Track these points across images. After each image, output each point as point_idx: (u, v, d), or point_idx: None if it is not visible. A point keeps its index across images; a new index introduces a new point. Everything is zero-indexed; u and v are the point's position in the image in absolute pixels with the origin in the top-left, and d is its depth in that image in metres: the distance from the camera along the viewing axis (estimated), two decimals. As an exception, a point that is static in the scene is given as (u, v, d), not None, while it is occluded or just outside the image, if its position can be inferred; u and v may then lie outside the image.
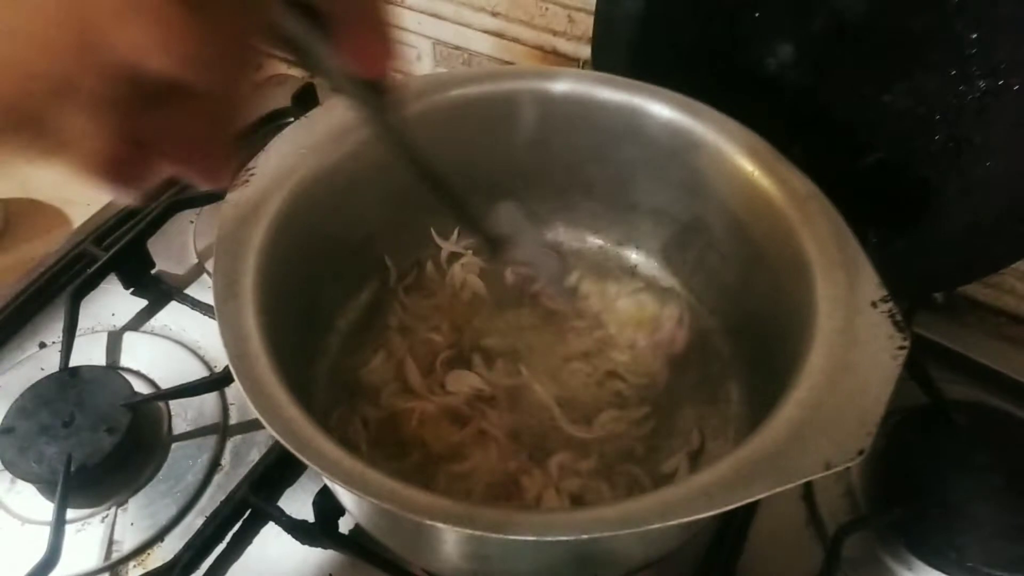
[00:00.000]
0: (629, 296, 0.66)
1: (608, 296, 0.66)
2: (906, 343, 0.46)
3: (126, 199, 0.31)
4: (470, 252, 0.70)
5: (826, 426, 0.42)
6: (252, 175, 0.53)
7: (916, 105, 0.63)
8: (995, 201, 0.63)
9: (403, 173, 0.62)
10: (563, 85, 0.62)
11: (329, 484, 0.55)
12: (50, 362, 0.67)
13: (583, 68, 0.81)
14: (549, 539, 0.37)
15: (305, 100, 0.88)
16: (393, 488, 0.39)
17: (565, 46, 0.83)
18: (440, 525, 0.38)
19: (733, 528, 0.59)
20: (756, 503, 0.61)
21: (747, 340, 0.60)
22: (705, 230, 0.62)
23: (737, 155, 0.57)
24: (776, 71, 0.68)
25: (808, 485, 0.63)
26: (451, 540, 0.44)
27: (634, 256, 0.70)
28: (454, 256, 0.69)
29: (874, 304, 0.47)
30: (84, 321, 0.71)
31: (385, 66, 0.36)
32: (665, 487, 0.40)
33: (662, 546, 0.49)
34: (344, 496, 0.51)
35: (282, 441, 0.40)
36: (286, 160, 0.54)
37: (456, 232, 0.70)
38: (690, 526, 0.47)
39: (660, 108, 0.60)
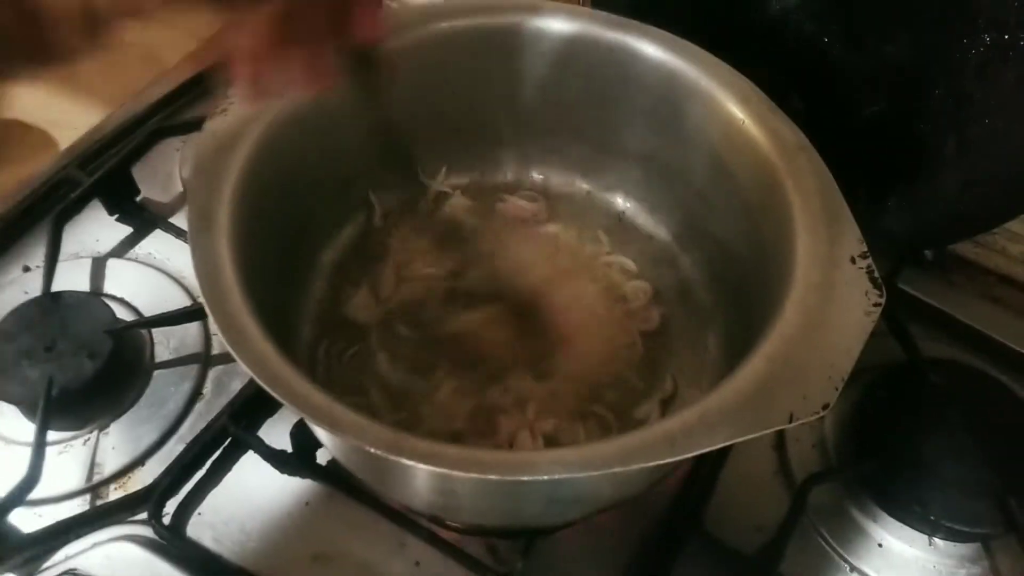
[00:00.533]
0: (600, 265, 0.66)
1: (581, 259, 0.66)
2: (882, 300, 0.45)
3: (250, 96, 0.40)
4: (458, 191, 0.69)
5: (794, 379, 0.42)
6: (231, 103, 0.52)
7: (917, 57, 0.62)
8: (991, 159, 0.62)
9: (391, 109, 0.62)
10: (556, 22, 0.60)
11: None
12: (33, 286, 0.67)
13: (581, 3, 0.79)
14: (510, 479, 0.38)
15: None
16: (360, 423, 0.39)
17: (565, -20, 0.80)
18: (405, 461, 0.38)
19: (703, 473, 0.60)
20: (727, 450, 0.61)
21: (728, 291, 0.60)
22: (693, 178, 0.62)
23: (729, 102, 0.56)
24: (779, 15, 0.66)
25: (780, 435, 0.64)
26: (418, 476, 0.44)
27: (621, 202, 0.69)
28: (441, 195, 0.69)
29: (853, 260, 0.47)
30: (69, 246, 0.71)
31: (380, 32, 0.42)
32: (630, 432, 0.40)
33: (629, 488, 0.50)
34: (318, 429, 0.52)
35: (251, 374, 0.40)
36: (268, 90, 0.53)
37: (444, 171, 0.69)
38: (656, 470, 0.48)
39: (653, 49, 0.58)
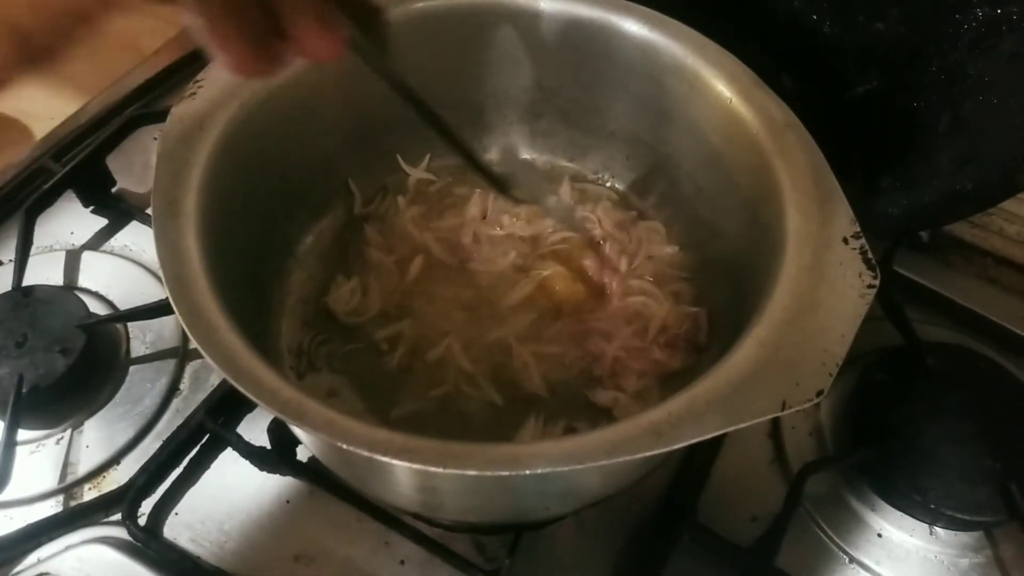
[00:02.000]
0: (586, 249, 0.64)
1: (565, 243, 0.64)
2: (876, 281, 0.44)
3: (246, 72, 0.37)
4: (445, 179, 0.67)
5: (786, 365, 0.40)
6: (200, 87, 0.50)
7: (910, 33, 0.60)
8: (987, 136, 0.60)
9: (368, 90, 0.60)
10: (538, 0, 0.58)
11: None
12: (4, 280, 0.65)
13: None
14: (491, 474, 0.36)
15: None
16: (331, 418, 0.37)
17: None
18: (378, 457, 0.36)
19: (696, 463, 0.58)
20: (720, 439, 0.60)
21: (716, 275, 0.58)
22: (680, 159, 0.60)
23: (715, 80, 0.54)
24: (767, -7, 0.64)
25: (775, 423, 0.62)
26: (397, 472, 0.42)
27: (608, 186, 0.67)
28: (424, 183, 0.67)
29: (845, 240, 0.45)
30: (42, 239, 0.69)
31: None
32: (613, 423, 0.38)
33: (617, 481, 0.48)
34: (296, 426, 0.50)
35: (217, 368, 0.38)
36: (238, 72, 0.51)
37: (427, 158, 0.67)
38: (645, 462, 0.46)
39: (637, 28, 0.56)
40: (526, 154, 0.69)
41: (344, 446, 0.36)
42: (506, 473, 0.36)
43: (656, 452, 0.37)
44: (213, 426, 0.58)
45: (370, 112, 0.61)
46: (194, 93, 0.49)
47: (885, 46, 0.61)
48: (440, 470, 0.36)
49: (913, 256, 0.72)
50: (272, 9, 0.36)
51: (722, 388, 0.39)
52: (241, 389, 0.38)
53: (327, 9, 0.37)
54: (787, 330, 0.42)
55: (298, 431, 0.50)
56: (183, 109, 0.49)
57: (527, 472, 0.36)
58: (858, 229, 0.45)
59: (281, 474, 0.58)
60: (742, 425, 0.38)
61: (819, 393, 0.39)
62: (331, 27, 0.37)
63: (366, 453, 0.36)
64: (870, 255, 0.44)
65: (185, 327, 0.39)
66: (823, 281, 0.43)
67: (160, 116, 0.75)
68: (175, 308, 0.40)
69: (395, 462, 0.36)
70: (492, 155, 0.68)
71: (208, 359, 0.39)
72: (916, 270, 0.71)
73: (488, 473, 0.36)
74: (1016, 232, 0.75)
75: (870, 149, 0.65)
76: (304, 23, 0.36)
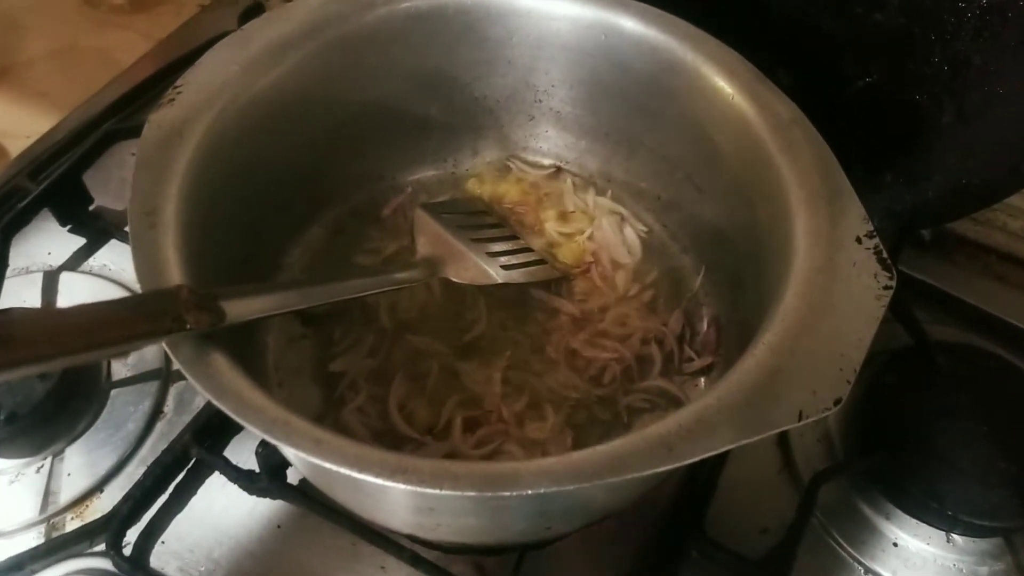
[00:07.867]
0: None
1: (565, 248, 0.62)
2: (892, 282, 0.42)
3: None
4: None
5: (801, 372, 0.38)
6: (179, 93, 0.48)
7: (910, 24, 0.58)
8: (991, 129, 0.59)
9: (356, 96, 0.58)
10: (529, -1, 0.57)
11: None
12: (-20, 303, 0.63)
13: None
14: (490, 495, 0.34)
15: (256, 22, 0.81)
16: (320, 438, 0.35)
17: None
18: (370, 479, 0.34)
19: (703, 474, 0.56)
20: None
21: (722, 280, 0.56)
22: (680, 159, 0.58)
23: (716, 77, 0.52)
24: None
25: (783, 432, 0.60)
26: (391, 493, 0.40)
27: (606, 191, 0.65)
28: (416, 192, 0.65)
29: (859, 239, 0.44)
30: (18, 260, 0.67)
31: None
32: (621, 437, 0.36)
33: (622, 498, 0.46)
34: (283, 446, 0.47)
35: (198, 387, 0.36)
36: (217, 77, 0.49)
37: (418, 163, 0.65)
38: (653, 477, 0.44)
39: (634, 24, 0.55)
40: (519, 159, 0.66)
41: (334, 467, 0.34)
42: (507, 493, 0.34)
43: (666, 468, 0.35)
44: (199, 450, 0.56)
45: (356, 118, 0.59)
46: (173, 99, 0.47)
47: (885, 37, 0.59)
48: (436, 491, 0.34)
49: (916, 254, 0.71)
50: None
51: (734, 398, 0.37)
52: (223, 408, 0.35)
53: None
54: (801, 335, 0.40)
55: (288, 452, 0.47)
56: (161, 116, 0.46)
57: (528, 492, 0.34)
58: (871, 228, 0.44)
59: (271, 498, 0.55)
60: (756, 438, 0.36)
61: (837, 402, 0.38)
62: None
63: (358, 475, 0.34)
64: (885, 255, 0.43)
65: (165, 345, 0.37)
66: (836, 283, 0.41)
67: (137, 130, 0.71)
68: (152, 326, 0.38)
69: (389, 484, 0.34)
70: (484, 159, 0.66)
71: (188, 377, 0.36)
72: (920, 268, 0.70)
73: (488, 494, 0.34)
74: (1020, 228, 0.74)
75: (871, 145, 0.63)
76: None
